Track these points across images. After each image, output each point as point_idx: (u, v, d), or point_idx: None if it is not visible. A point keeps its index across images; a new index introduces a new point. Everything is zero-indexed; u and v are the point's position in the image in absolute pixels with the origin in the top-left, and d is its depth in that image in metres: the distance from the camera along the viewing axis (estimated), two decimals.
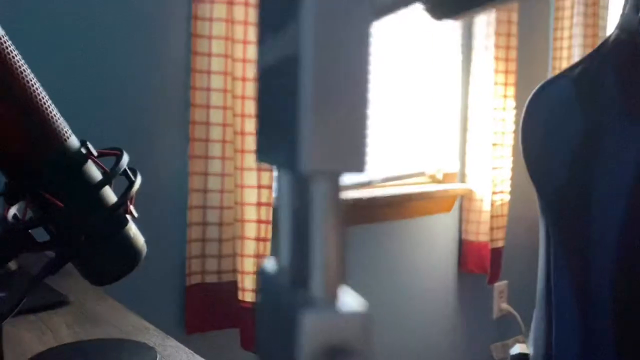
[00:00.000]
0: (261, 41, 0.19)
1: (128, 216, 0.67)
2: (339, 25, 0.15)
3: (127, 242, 0.67)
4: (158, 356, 0.67)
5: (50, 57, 1.13)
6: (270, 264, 0.20)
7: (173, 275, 1.32)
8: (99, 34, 1.18)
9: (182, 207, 1.32)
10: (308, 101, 0.16)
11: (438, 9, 0.19)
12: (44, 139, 0.61)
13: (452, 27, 1.95)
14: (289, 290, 0.17)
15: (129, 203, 0.68)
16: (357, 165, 0.16)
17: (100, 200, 0.65)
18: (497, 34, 1.91)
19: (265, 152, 0.18)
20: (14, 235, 0.66)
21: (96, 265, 0.66)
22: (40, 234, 0.63)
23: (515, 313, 2.21)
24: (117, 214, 0.66)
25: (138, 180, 0.71)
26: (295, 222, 0.18)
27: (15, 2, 1.08)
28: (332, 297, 0.17)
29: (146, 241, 1.42)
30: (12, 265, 0.84)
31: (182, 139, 1.31)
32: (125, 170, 0.69)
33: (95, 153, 0.67)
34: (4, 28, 0.57)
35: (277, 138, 0.17)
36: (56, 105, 1.22)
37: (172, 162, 1.30)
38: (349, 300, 0.17)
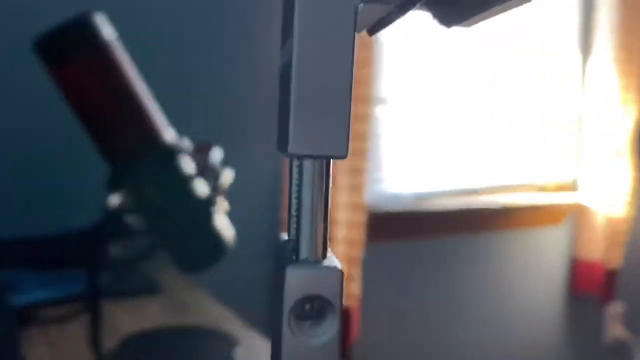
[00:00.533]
0: (281, 49, 0.24)
1: (218, 208, 0.69)
2: (324, 37, 0.19)
3: (216, 234, 0.69)
4: (237, 346, 0.68)
5: (150, 54, 1.20)
6: (283, 237, 0.25)
7: (264, 273, 1.35)
8: (198, 32, 1.25)
9: (275, 205, 1.34)
10: (294, 97, 0.19)
11: (446, 16, 0.20)
12: (144, 132, 0.65)
13: (570, 25, 1.81)
14: (288, 255, 0.22)
15: (218, 196, 0.70)
16: (338, 150, 0.19)
17: (192, 192, 0.68)
18: (620, 32, 1.75)
19: (280, 142, 0.22)
20: (113, 221, 0.71)
21: (185, 254, 0.69)
22: (136, 222, 0.67)
23: (633, 339, 1.99)
24: (207, 205, 0.68)
25: (228, 175, 0.73)
26: (297, 201, 0.22)
27: (120, 3, 1.17)
28: (315, 258, 0.21)
29: (238, 236, 1.45)
30: (114, 250, 0.90)
31: None
32: (217, 164, 0.71)
33: (189, 147, 0.70)
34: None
35: (284, 130, 0.21)
36: (157, 101, 1.29)
37: (267, 160, 1.33)
38: (329, 260, 0.21)
